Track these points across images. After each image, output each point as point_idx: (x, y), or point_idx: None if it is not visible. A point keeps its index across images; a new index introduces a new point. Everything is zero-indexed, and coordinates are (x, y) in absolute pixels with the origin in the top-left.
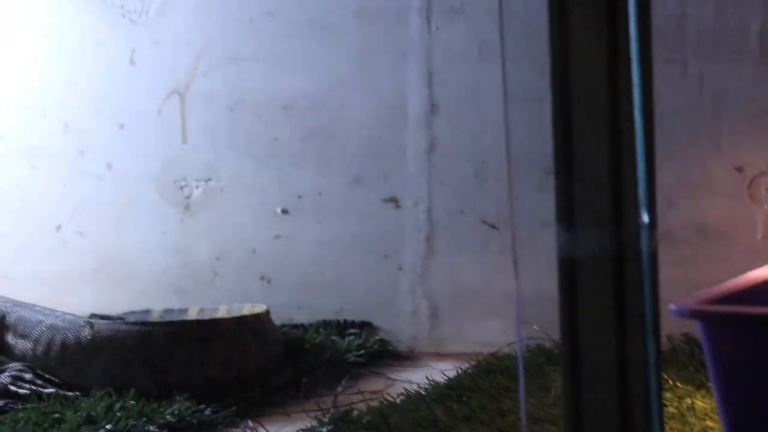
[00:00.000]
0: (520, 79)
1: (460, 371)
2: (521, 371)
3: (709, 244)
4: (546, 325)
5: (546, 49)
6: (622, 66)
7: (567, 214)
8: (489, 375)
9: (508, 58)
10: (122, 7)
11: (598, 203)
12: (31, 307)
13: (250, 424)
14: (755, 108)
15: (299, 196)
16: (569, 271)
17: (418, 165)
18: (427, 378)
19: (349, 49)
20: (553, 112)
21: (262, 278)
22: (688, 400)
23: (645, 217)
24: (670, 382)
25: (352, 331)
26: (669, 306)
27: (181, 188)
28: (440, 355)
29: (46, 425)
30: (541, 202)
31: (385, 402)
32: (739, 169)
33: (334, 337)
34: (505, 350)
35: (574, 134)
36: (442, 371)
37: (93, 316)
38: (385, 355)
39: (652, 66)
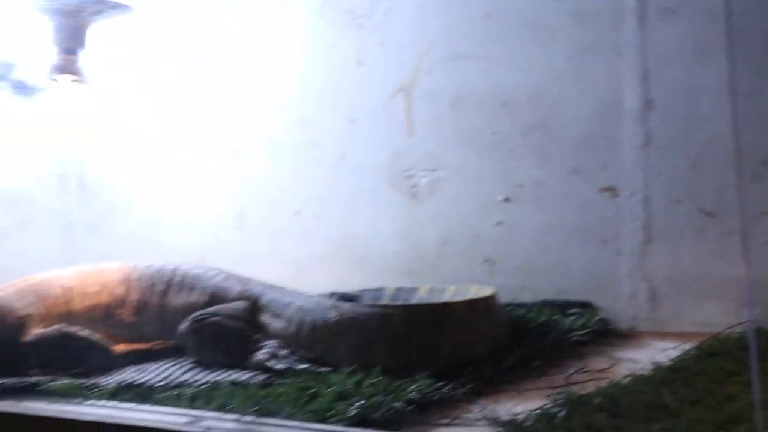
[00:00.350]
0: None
1: (682, 353)
2: (754, 353)
3: None
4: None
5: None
6: None
7: None
8: (712, 358)
9: (724, 56)
10: (351, 13)
11: None
12: (281, 289)
13: (486, 402)
14: None
15: (520, 186)
16: None
17: (634, 157)
18: (651, 362)
19: (565, 48)
20: None
21: (485, 261)
22: None
23: None
24: None
25: (574, 311)
26: None
27: (408, 178)
28: (660, 334)
29: (303, 399)
30: (755, 192)
31: (612, 383)
32: None
33: (555, 317)
34: (726, 333)
35: None
36: (663, 350)
37: (333, 293)
38: (607, 334)
39: None
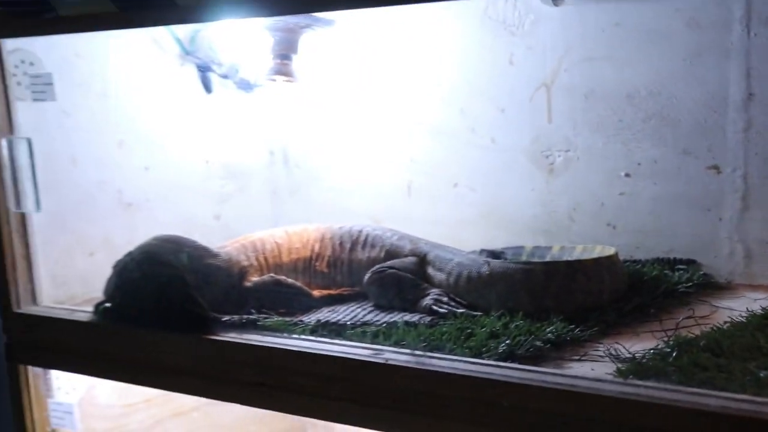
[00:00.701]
0: None
1: None
2: None
3: None
4: None
5: None
6: None
7: None
8: None
9: None
10: (504, 23)
11: None
12: (444, 247)
13: (609, 342)
14: None
15: (639, 164)
16: None
17: (736, 140)
18: (746, 309)
19: (681, 51)
20: None
21: (608, 225)
22: None
23: None
24: None
25: (681, 267)
26: None
27: (546, 157)
28: (753, 287)
29: (462, 337)
30: None
31: (714, 328)
32: None
33: (665, 272)
34: None
35: None
36: (756, 300)
37: (482, 250)
38: (708, 287)
39: None
